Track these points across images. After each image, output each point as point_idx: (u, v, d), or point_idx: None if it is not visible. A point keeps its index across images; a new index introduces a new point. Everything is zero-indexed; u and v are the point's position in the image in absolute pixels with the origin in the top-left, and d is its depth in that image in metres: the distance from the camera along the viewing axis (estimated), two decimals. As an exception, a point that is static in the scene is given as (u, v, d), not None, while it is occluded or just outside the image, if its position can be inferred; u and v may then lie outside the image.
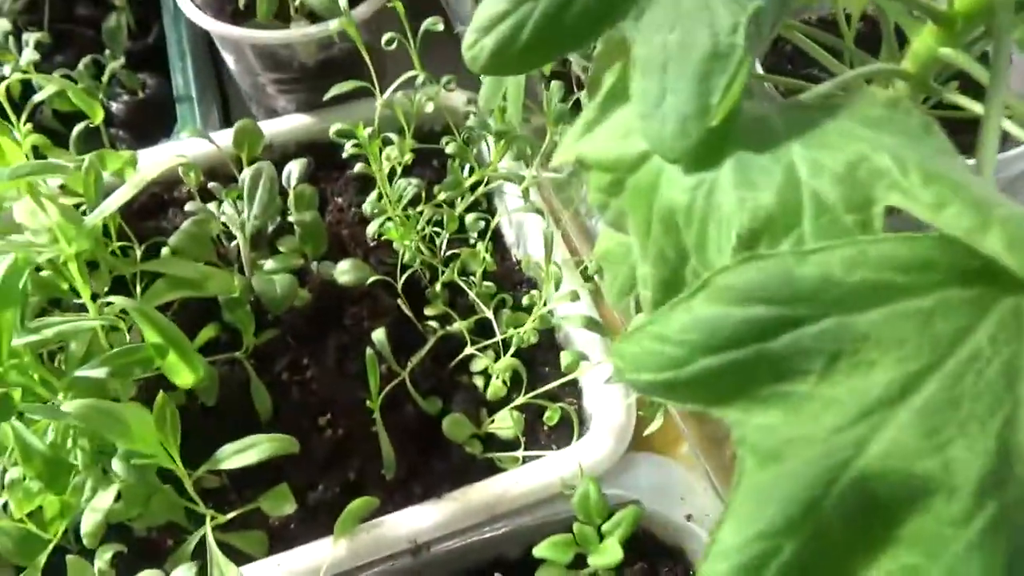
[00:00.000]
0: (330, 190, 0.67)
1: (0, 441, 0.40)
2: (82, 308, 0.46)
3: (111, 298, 0.43)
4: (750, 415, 0.18)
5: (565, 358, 0.48)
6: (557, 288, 0.49)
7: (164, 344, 0.42)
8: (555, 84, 0.50)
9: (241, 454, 0.37)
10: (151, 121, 0.78)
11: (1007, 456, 0.15)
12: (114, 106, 0.79)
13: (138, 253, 0.58)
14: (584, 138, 0.24)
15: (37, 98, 0.54)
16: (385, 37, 0.53)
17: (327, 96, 0.55)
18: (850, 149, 0.18)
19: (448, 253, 0.60)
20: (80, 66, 0.73)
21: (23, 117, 0.53)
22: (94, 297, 0.54)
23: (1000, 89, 0.26)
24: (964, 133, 0.29)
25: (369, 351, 0.48)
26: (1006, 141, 0.43)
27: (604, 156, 0.23)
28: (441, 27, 0.53)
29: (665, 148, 0.20)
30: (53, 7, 0.86)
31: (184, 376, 0.44)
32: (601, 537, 0.42)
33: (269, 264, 0.54)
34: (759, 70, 0.43)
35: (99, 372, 0.41)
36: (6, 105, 0.56)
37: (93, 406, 0.33)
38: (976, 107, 0.32)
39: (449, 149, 0.55)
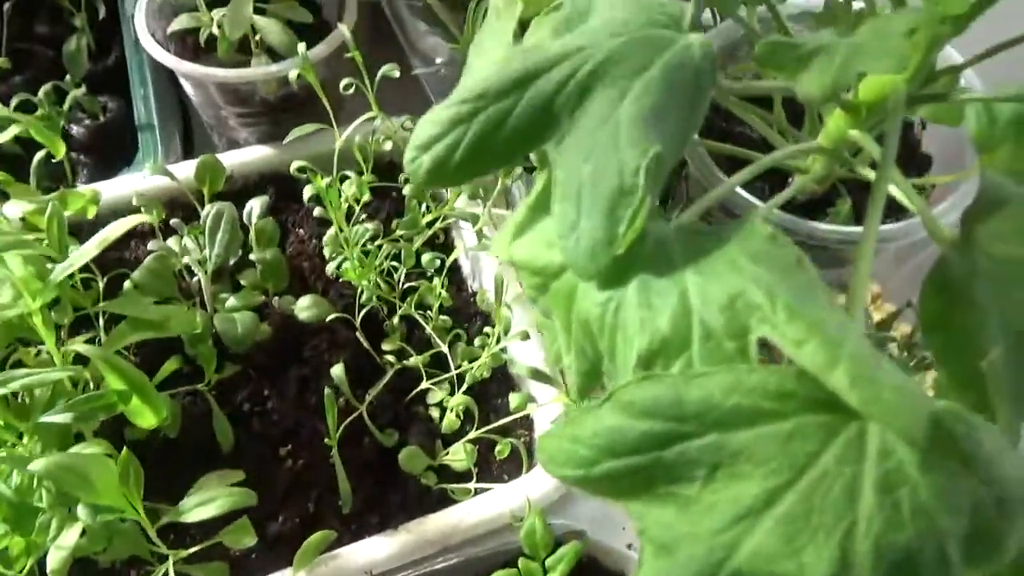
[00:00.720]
0: (291, 220, 0.68)
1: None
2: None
3: (76, 346, 0.44)
4: (649, 509, 0.21)
5: (514, 399, 0.50)
6: (507, 333, 0.51)
7: (127, 390, 0.44)
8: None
9: (203, 507, 0.38)
10: (112, 145, 0.79)
11: (846, 562, 0.18)
12: (74, 129, 0.79)
13: (100, 285, 0.59)
14: (517, 240, 0.26)
15: (2, 139, 0.55)
16: (343, 83, 0.55)
17: (287, 139, 0.57)
18: (732, 282, 0.21)
19: (406, 286, 0.62)
20: (41, 93, 0.73)
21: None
22: (58, 330, 0.55)
23: (887, 169, 0.29)
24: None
25: (327, 390, 0.50)
26: (903, 212, 0.46)
27: (532, 262, 0.25)
28: (397, 74, 0.55)
29: (579, 268, 0.23)
30: (11, 25, 0.86)
31: (147, 418, 0.46)
32: (545, 571, 0.45)
33: (231, 301, 0.56)
34: (695, 137, 0.45)
35: (64, 418, 0.43)
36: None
37: (59, 463, 0.35)
38: (889, 186, 0.35)
39: (406, 190, 0.57)
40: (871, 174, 0.36)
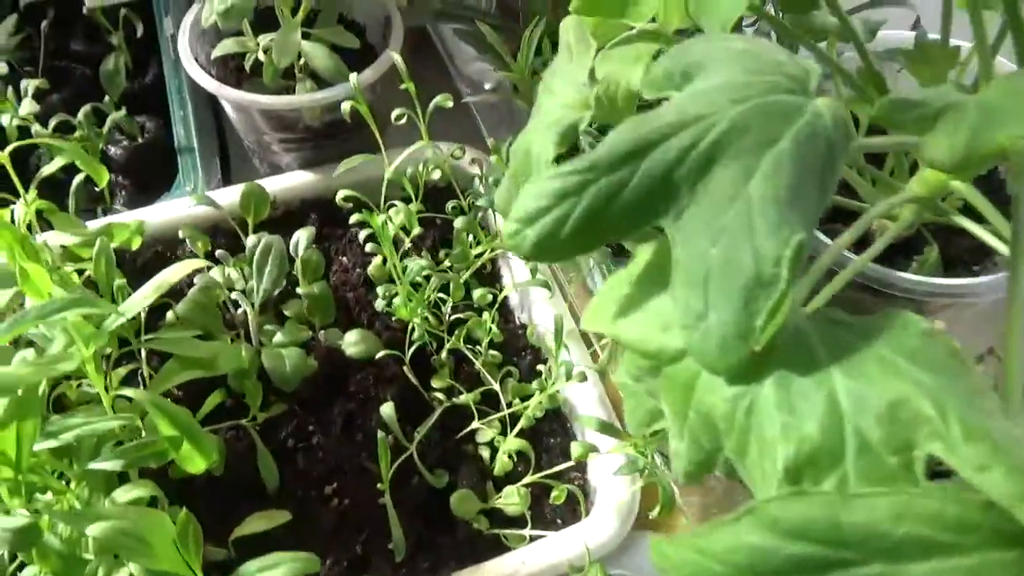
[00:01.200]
0: (334, 248, 0.67)
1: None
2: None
3: (126, 391, 0.43)
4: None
5: (575, 448, 0.48)
6: (568, 378, 0.49)
7: (178, 436, 0.43)
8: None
9: (267, 572, 0.37)
10: (150, 165, 0.78)
11: None
12: (112, 150, 0.78)
13: (142, 315, 0.58)
14: (622, 319, 0.24)
15: (46, 171, 0.53)
16: (395, 113, 0.53)
17: (338, 171, 0.55)
18: (892, 387, 0.19)
19: (453, 318, 0.60)
20: (80, 115, 0.72)
21: (31, 188, 0.52)
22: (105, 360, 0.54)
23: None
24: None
25: (380, 433, 0.48)
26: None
27: (643, 344, 0.23)
28: (450, 104, 0.53)
29: (707, 362, 0.21)
30: (48, 43, 0.85)
31: (197, 464, 0.44)
32: (609, 629, 0.43)
33: (278, 337, 0.54)
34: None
35: (114, 465, 0.42)
36: (10, 169, 0.56)
37: (116, 528, 0.33)
38: (983, 234, 0.33)
39: (457, 224, 0.55)
40: (963, 222, 0.34)
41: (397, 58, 0.53)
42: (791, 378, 0.20)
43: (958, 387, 0.19)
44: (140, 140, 0.78)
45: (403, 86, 0.51)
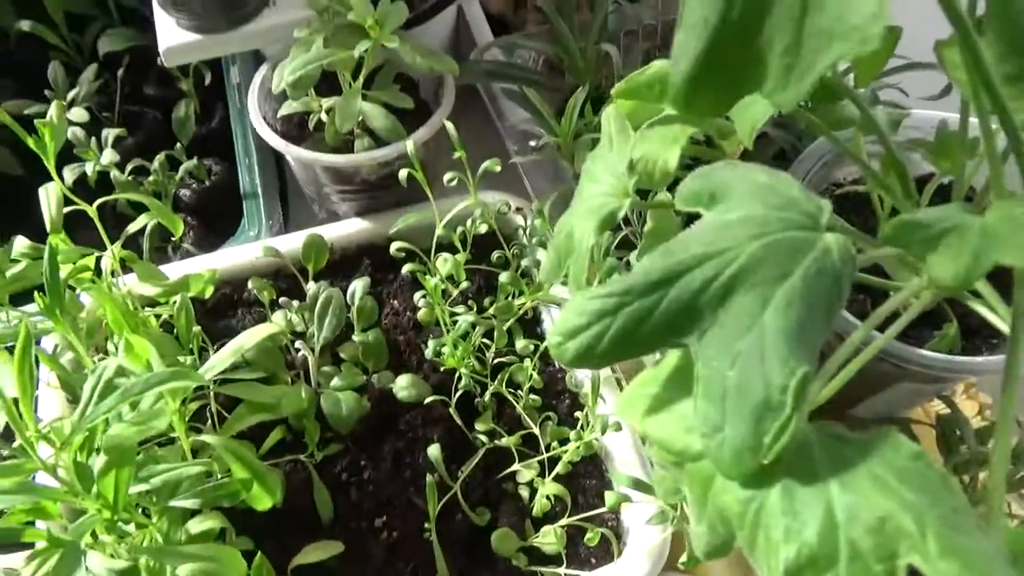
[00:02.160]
0: (386, 292, 0.71)
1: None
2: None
3: (203, 437, 0.48)
4: None
5: (608, 497, 0.52)
6: (604, 432, 0.53)
7: (249, 478, 0.47)
8: (606, 235, 0.54)
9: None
10: (217, 207, 0.84)
11: None
12: (182, 192, 0.84)
13: (212, 354, 0.63)
14: (651, 417, 0.28)
15: (132, 228, 0.59)
16: (447, 177, 0.57)
17: (393, 230, 0.60)
18: (880, 503, 0.22)
19: (496, 361, 0.64)
20: (156, 163, 0.78)
21: (117, 244, 0.58)
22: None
23: (1018, 357, 0.30)
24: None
25: (428, 477, 0.52)
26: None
27: (668, 443, 0.27)
28: (499, 169, 0.57)
29: (722, 468, 0.24)
30: (123, 88, 0.92)
31: (264, 502, 0.49)
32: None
33: (335, 381, 0.59)
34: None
35: (193, 503, 0.46)
36: (97, 223, 0.61)
37: (201, 570, 0.38)
38: (992, 316, 0.35)
39: (502, 278, 0.59)
40: (975, 304, 0.37)
41: (449, 125, 0.57)
42: (795, 487, 0.23)
43: (939, 506, 0.22)
44: (207, 183, 0.84)
45: (456, 154, 0.56)
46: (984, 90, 0.28)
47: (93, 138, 0.79)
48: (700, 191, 0.30)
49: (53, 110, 0.56)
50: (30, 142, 0.53)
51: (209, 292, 0.61)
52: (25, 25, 0.89)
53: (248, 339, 0.47)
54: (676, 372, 0.28)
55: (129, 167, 0.80)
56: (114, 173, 0.77)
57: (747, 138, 0.40)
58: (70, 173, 0.77)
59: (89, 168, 0.76)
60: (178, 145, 0.82)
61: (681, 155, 0.43)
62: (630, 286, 0.26)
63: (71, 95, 0.86)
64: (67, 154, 0.80)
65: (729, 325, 0.25)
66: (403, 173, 0.56)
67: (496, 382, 0.62)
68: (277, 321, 0.63)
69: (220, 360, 0.46)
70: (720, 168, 0.30)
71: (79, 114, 0.83)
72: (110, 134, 0.78)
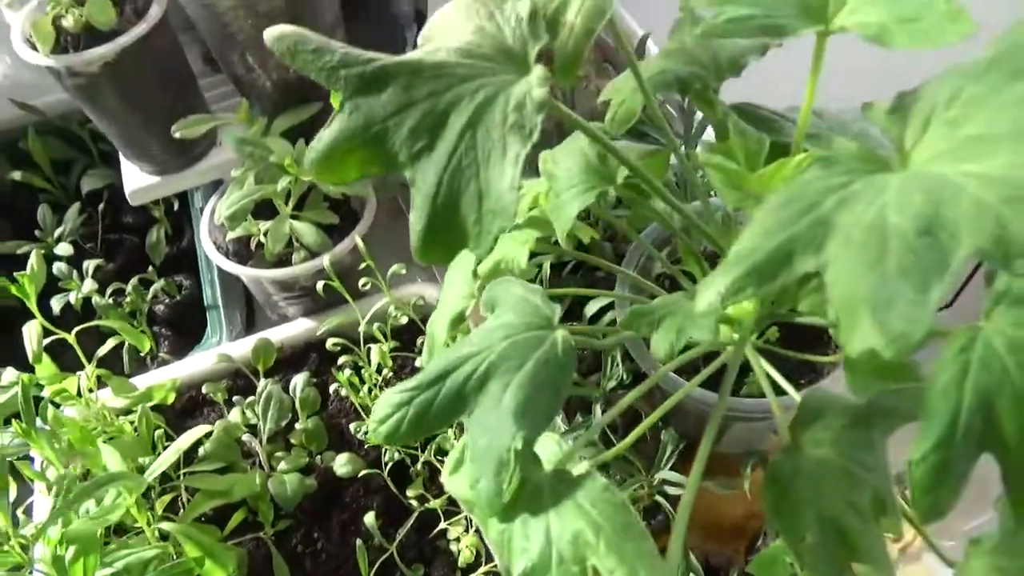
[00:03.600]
0: (331, 380, 0.81)
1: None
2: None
3: (163, 524, 0.57)
4: None
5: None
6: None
7: (202, 556, 0.56)
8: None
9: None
10: (188, 318, 0.95)
11: None
12: (157, 307, 0.95)
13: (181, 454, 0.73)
14: (454, 475, 0.38)
15: (101, 352, 0.70)
16: (361, 282, 0.68)
17: (320, 331, 0.70)
18: (576, 522, 0.31)
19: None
20: (129, 287, 0.90)
21: (92, 365, 0.68)
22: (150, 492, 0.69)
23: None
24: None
25: (359, 541, 0.61)
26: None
27: (462, 495, 0.36)
28: (404, 271, 0.68)
29: (481, 510, 0.34)
30: (104, 219, 1.04)
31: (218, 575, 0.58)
32: None
33: (282, 465, 0.69)
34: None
35: (153, 583, 0.56)
36: (76, 348, 0.72)
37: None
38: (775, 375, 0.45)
39: (419, 363, 0.69)
40: (762, 366, 0.46)
41: (358, 241, 0.68)
42: (528, 518, 0.33)
43: (614, 522, 0.31)
44: (178, 297, 0.96)
45: (363, 263, 0.67)
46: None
47: (76, 270, 0.91)
48: (488, 300, 0.40)
49: (33, 259, 0.68)
50: (13, 289, 0.65)
51: (172, 399, 0.71)
52: (16, 175, 1.02)
53: (188, 439, 0.57)
54: (464, 446, 0.38)
55: (109, 291, 0.91)
56: (95, 299, 0.89)
57: (562, 238, 0.50)
58: (57, 303, 0.89)
59: (73, 297, 0.87)
60: (151, 268, 0.93)
61: (532, 253, 0.54)
62: (419, 382, 0.36)
63: (58, 232, 0.98)
64: (55, 286, 0.92)
65: (485, 406, 0.35)
66: (320, 286, 0.67)
67: (425, 452, 0.72)
68: (233, 417, 0.73)
69: (164, 460, 0.56)
70: (497, 284, 0.41)
71: (65, 248, 0.96)
72: (90, 265, 0.90)
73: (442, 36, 0.37)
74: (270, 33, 0.33)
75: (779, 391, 0.52)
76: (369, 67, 0.33)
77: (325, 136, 0.34)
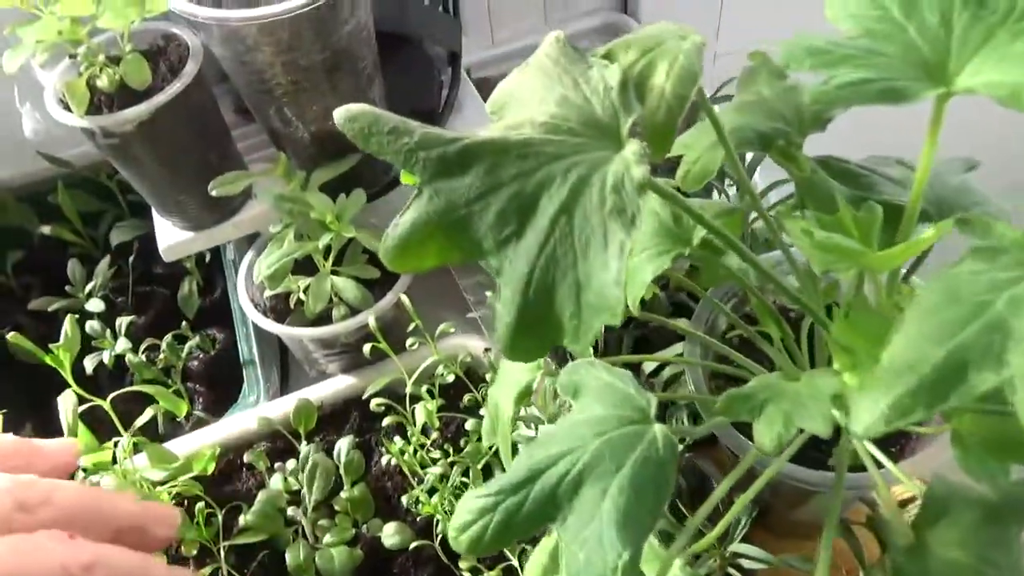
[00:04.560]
0: (374, 440, 0.78)
1: None
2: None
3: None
4: None
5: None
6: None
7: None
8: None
9: None
10: (223, 374, 0.92)
11: None
12: (192, 363, 0.93)
13: (220, 519, 0.70)
14: (540, 585, 0.34)
15: (140, 421, 0.67)
16: (408, 342, 0.65)
17: (367, 394, 0.67)
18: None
19: (477, 497, 0.70)
20: (164, 344, 0.87)
21: (128, 435, 0.66)
22: (184, 561, 0.66)
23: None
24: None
25: (413, 623, 0.58)
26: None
27: (552, 612, 0.33)
28: (452, 330, 0.65)
29: (584, 636, 0.30)
30: (134, 271, 1.02)
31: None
32: None
33: (327, 538, 0.65)
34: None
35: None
36: (112, 415, 0.69)
37: None
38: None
39: (468, 426, 0.66)
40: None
41: (404, 299, 0.65)
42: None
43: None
44: (213, 352, 0.93)
45: (411, 326, 0.64)
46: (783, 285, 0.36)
47: (108, 326, 0.89)
48: (569, 385, 0.37)
49: (67, 326, 0.65)
50: (48, 360, 0.62)
51: (211, 468, 0.68)
52: (46, 229, 1.01)
53: None
54: (556, 547, 0.34)
55: (142, 347, 0.89)
56: (128, 356, 0.86)
57: (634, 306, 0.47)
58: (91, 363, 0.86)
59: (106, 356, 0.85)
60: (184, 323, 0.91)
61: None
62: (503, 486, 0.33)
63: (89, 287, 0.96)
64: (87, 344, 0.90)
65: (580, 513, 0.31)
66: (367, 348, 0.64)
67: (477, 519, 0.68)
68: (275, 484, 0.70)
69: None
70: (579, 366, 0.37)
71: (96, 304, 0.94)
72: (123, 323, 0.88)
73: (518, 106, 0.34)
74: (341, 114, 0.30)
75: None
76: (451, 148, 0.30)
77: (402, 223, 0.31)
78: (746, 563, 0.57)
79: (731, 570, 0.58)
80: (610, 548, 0.29)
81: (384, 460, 0.76)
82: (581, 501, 0.32)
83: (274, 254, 0.68)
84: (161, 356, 0.89)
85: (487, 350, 0.77)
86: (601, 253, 0.28)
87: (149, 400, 0.88)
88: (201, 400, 0.91)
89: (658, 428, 0.33)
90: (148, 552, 0.47)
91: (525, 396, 0.46)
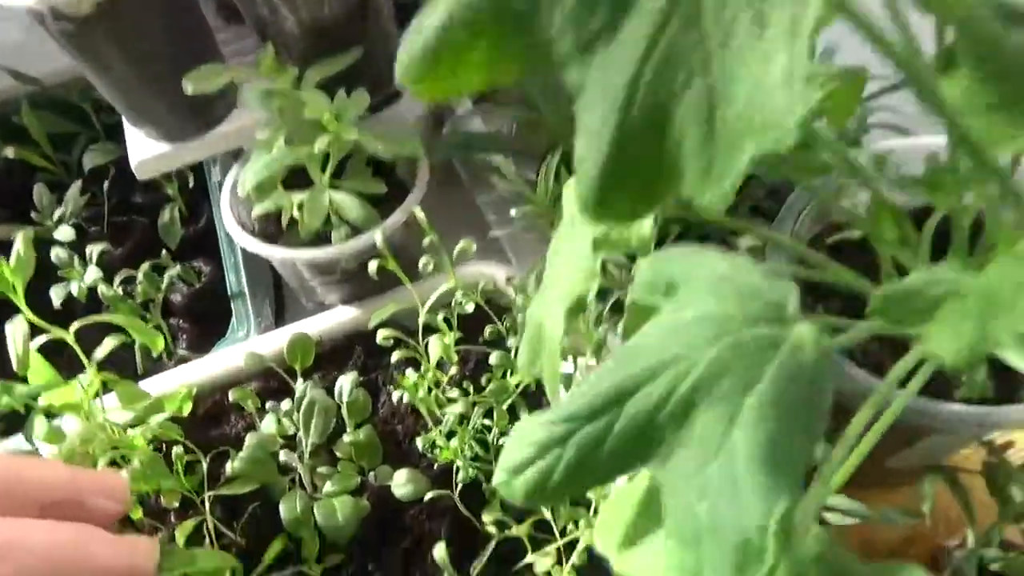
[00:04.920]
0: (380, 379, 0.69)
1: None
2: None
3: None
4: None
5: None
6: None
7: None
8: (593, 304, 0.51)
9: None
10: (209, 309, 0.82)
11: None
12: (173, 297, 0.83)
13: (204, 467, 0.61)
14: (626, 550, 0.25)
15: (100, 353, 0.57)
16: (421, 262, 0.55)
17: (372, 323, 0.58)
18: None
19: (500, 442, 0.61)
20: (140, 275, 0.77)
21: (92, 367, 0.56)
22: (166, 514, 0.58)
23: None
24: None
25: (432, 587, 0.49)
26: None
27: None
28: (474, 248, 0.54)
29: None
30: (110, 199, 0.92)
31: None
32: None
33: (328, 486, 0.56)
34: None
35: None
36: (76, 347, 0.60)
37: None
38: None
39: (492, 360, 0.56)
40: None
41: (418, 211, 0.55)
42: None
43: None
44: (197, 285, 0.83)
45: (426, 239, 0.53)
46: (952, 131, 0.25)
47: (80, 256, 0.78)
48: (656, 281, 0.27)
49: (19, 243, 0.55)
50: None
51: (187, 409, 0.59)
52: (10, 152, 0.90)
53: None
54: (649, 496, 0.25)
55: (117, 280, 0.79)
56: (102, 289, 0.76)
57: (721, 200, 0.37)
58: (58, 294, 0.76)
59: (76, 288, 0.75)
60: (164, 253, 0.81)
61: (658, 217, 0.40)
62: (577, 410, 0.23)
63: (58, 213, 0.86)
64: (54, 274, 0.80)
65: (695, 450, 0.22)
66: (372, 266, 0.54)
67: (501, 467, 0.59)
68: (266, 427, 0.61)
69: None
70: (677, 255, 0.27)
71: (65, 232, 0.83)
72: (94, 250, 0.77)
73: None
74: None
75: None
76: None
77: (433, 20, 0.20)
78: (829, 516, 0.48)
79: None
80: (753, 496, 0.20)
81: (394, 399, 0.67)
82: (695, 430, 0.22)
83: (261, 160, 0.57)
84: (139, 288, 0.78)
85: (509, 279, 0.67)
86: (754, 38, 0.18)
87: (128, 343, 0.79)
88: (185, 338, 0.82)
89: (804, 328, 0.23)
90: None
91: (579, 310, 0.36)
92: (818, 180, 0.39)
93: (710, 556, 0.20)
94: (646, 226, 0.39)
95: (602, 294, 0.58)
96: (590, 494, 0.57)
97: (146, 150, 0.70)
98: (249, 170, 0.57)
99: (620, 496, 0.27)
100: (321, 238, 0.65)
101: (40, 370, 0.57)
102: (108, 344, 0.57)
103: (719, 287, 0.24)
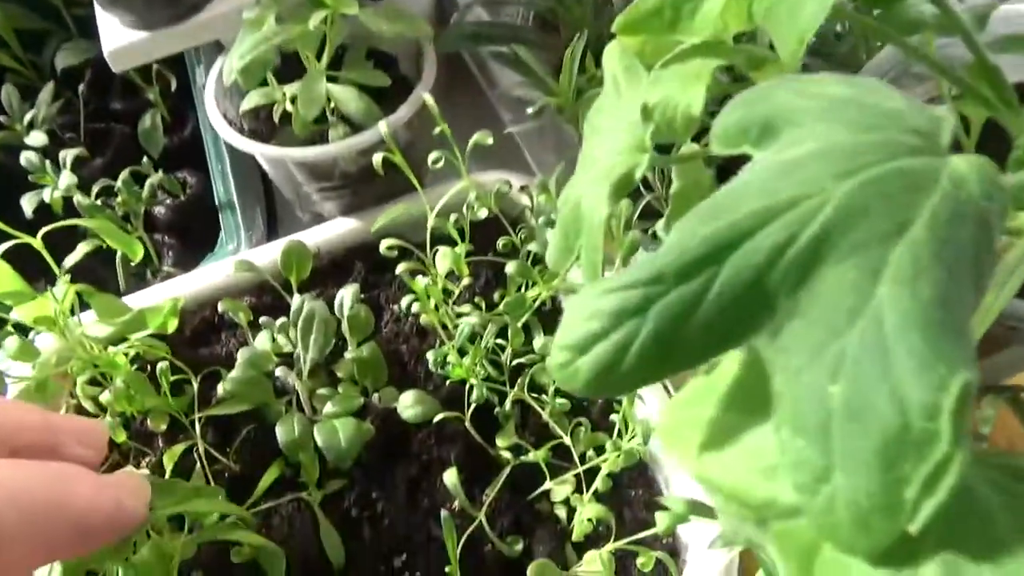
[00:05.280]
0: (384, 296, 0.63)
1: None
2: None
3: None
4: None
5: (660, 520, 0.43)
6: (647, 440, 0.44)
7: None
8: (623, 203, 0.45)
9: None
10: (196, 222, 0.76)
11: None
12: (157, 210, 0.77)
13: (195, 388, 0.56)
14: (710, 453, 0.19)
15: (72, 259, 0.51)
16: (431, 157, 0.49)
17: (376, 226, 0.52)
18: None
19: (515, 363, 0.56)
20: (119, 182, 0.71)
21: (65, 277, 0.50)
22: (153, 438, 0.53)
23: None
24: None
25: (444, 513, 0.44)
26: None
27: (744, 496, 0.18)
28: (490, 140, 0.48)
29: (838, 539, 0.15)
30: (87, 105, 0.85)
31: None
32: None
33: (328, 407, 0.51)
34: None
35: None
36: (45, 254, 0.54)
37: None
38: None
39: (509, 269, 0.51)
40: None
41: (429, 99, 0.48)
42: (963, 566, 0.15)
43: None
44: (183, 197, 0.77)
45: (438, 130, 0.47)
46: None
47: (54, 163, 0.72)
48: (746, 123, 0.21)
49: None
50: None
51: (172, 326, 0.53)
52: (-27, 50, 0.82)
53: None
54: (741, 386, 0.20)
55: (95, 188, 0.73)
56: (77, 197, 0.70)
57: (793, 57, 0.31)
58: (30, 203, 0.70)
59: (48, 195, 0.69)
60: (145, 160, 0.74)
61: (707, 95, 0.34)
62: (661, 270, 0.17)
63: (28, 117, 0.79)
64: (24, 181, 0.73)
65: (821, 314, 0.16)
66: (377, 158, 0.48)
67: (516, 387, 0.54)
68: (260, 344, 0.55)
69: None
70: (772, 87, 0.21)
71: (37, 138, 0.77)
72: (68, 155, 0.71)
73: None
74: None
75: None
76: None
77: None
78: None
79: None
80: (913, 369, 0.14)
81: (399, 316, 0.61)
82: (821, 292, 0.16)
83: (248, 40, 0.50)
84: (118, 200, 0.72)
85: (524, 187, 0.61)
86: None
87: (109, 261, 0.73)
88: (171, 254, 0.76)
89: (961, 161, 0.17)
90: None
91: (627, 186, 0.31)
92: (912, 38, 0.33)
93: (845, 450, 0.15)
94: (696, 104, 0.32)
95: (632, 196, 0.52)
96: (614, 416, 0.52)
97: (119, 37, 0.63)
98: (235, 52, 0.51)
99: (695, 391, 0.21)
100: (317, 140, 0.59)
101: (7, 278, 0.51)
102: (81, 249, 0.51)
103: (844, 111, 0.18)
